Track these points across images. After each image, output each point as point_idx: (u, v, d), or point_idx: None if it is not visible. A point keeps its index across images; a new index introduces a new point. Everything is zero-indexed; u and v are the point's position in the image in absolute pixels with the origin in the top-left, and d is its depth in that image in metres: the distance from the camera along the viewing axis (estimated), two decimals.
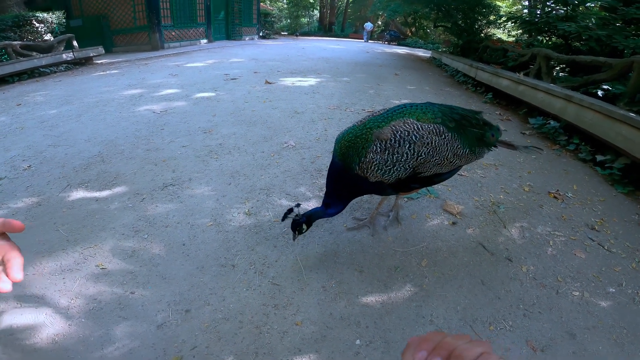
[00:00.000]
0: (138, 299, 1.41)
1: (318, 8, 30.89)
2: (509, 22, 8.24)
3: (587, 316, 1.46)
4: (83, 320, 1.31)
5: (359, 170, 1.40)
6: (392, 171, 1.38)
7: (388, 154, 1.36)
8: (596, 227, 2.06)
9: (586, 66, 4.27)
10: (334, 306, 1.42)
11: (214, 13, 13.69)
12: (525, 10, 9.91)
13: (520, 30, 8.04)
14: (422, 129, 1.38)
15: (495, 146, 1.70)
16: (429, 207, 2.11)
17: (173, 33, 11.72)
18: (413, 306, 1.44)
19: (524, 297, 1.53)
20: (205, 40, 13.28)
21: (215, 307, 1.38)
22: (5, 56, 6.66)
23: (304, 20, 30.98)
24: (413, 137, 1.36)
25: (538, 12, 7.49)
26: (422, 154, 1.38)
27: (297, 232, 1.45)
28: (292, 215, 1.42)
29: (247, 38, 16.17)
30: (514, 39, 9.90)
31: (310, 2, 29.46)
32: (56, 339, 1.23)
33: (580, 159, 3.04)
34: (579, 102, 3.14)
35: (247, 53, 9.81)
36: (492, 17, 9.67)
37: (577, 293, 1.58)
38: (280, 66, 7.18)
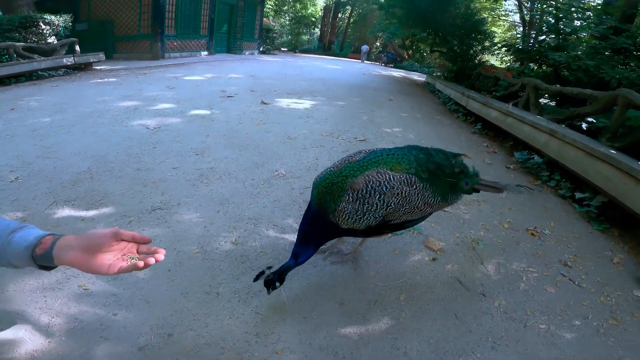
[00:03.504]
0: (120, 320, 1.42)
1: (319, 26, 31.70)
2: (503, 49, 8.38)
3: (550, 348, 1.54)
4: (63, 338, 1.31)
5: (332, 217, 1.48)
6: (362, 220, 1.46)
7: (359, 203, 1.43)
8: (569, 263, 2.16)
9: (573, 98, 4.33)
10: (314, 336, 1.45)
11: (217, 26, 13.90)
12: (519, 36, 10.17)
13: (513, 58, 8.21)
14: (394, 179, 1.45)
15: (470, 193, 1.77)
16: (411, 243, 2.18)
17: (175, 43, 11.83)
18: (389, 338, 1.49)
19: (493, 330, 1.60)
20: (206, 53, 13.43)
21: (198, 333, 1.40)
22: (6, 57, 6.59)
23: (305, 37, 31.67)
24: (384, 187, 1.43)
25: (531, 40, 7.78)
26: (392, 204, 1.45)
27: (271, 289, 1.49)
28: (264, 277, 1.46)
29: (247, 52, 16.41)
30: (507, 65, 10.11)
31: (312, 20, 30.22)
32: (35, 354, 1.24)
33: (560, 195, 3.13)
34: (562, 138, 3.17)
35: (246, 69, 9.95)
36: (486, 44, 9.91)
37: (543, 326, 1.66)
38: (277, 85, 7.31)
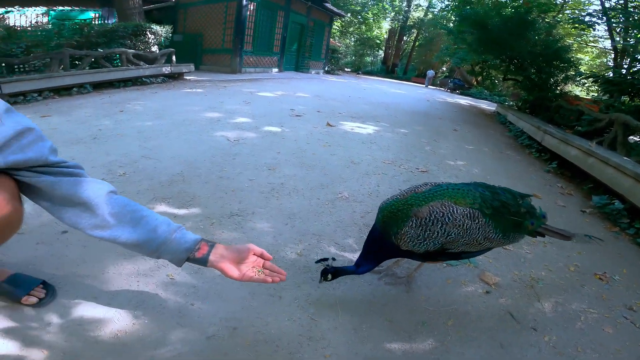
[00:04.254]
0: (196, 310, 1.60)
1: (383, 48, 32.15)
2: (589, 80, 7.63)
3: None
4: (146, 321, 1.48)
5: (395, 239, 1.63)
6: (422, 244, 1.59)
7: (421, 230, 1.56)
8: (634, 308, 2.04)
9: None
10: (361, 347, 1.54)
11: (288, 44, 14.95)
12: (610, 64, 9.22)
13: (600, 89, 7.40)
14: (457, 212, 1.56)
15: (534, 235, 1.75)
16: (466, 275, 2.17)
17: (251, 59, 12.95)
18: (431, 358, 1.52)
19: None
20: (276, 70, 14.44)
21: (258, 330, 1.54)
22: (118, 61, 7.78)
23: (368, 59, 32.25)
24: (446, 218, 1.55)
25: (623, 71, 7.00)
26: (452, 234, 1.56)
27: (323, 278, 1.69)
28: (325, 263, 1.67)
29: (313, 71, 17.23)
30: (593, 96, 9.05)
31: (377, 42, 30.77)
32: (118, 334, 1.40)
33: (639, 243, 2.92)
34: None
35: (312, 88, 10.44)
36: (571, 72, 8.99)
37: None
38: (341, 107, 7.59)
